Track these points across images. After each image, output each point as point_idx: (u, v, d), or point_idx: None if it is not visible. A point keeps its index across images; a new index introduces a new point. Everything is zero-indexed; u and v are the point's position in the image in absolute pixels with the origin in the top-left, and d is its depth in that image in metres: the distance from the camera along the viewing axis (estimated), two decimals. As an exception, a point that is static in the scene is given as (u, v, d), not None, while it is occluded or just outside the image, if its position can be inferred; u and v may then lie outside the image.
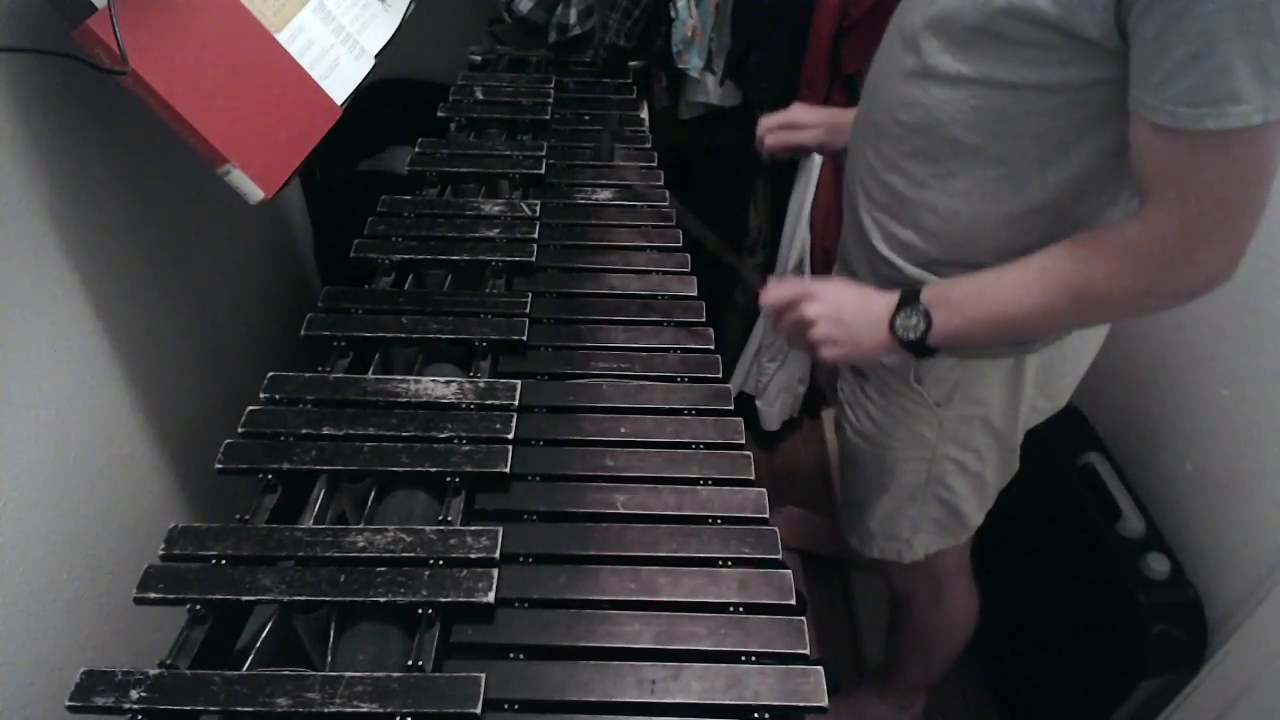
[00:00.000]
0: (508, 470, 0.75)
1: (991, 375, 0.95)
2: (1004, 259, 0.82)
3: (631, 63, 1.43)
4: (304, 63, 0.91)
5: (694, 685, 0.63)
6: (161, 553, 0.67)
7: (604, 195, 1.13)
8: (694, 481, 0.77)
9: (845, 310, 0.87)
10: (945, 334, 0.83)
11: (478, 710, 0.59)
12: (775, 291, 0.91)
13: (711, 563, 0.71)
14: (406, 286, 0.99)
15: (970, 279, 0.83)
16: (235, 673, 0.61)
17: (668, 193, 1.13)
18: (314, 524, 0.73)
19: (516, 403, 0.82)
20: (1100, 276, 0.76)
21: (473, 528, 0.70)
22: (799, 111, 1.16)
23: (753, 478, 0.78)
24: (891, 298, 0.86)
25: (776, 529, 0.73)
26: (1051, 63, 0.73)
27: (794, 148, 1.17)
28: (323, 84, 0.93)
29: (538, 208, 1.06)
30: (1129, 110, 0.71)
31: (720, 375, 0.89)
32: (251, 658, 0.64)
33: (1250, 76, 0.63)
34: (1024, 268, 0.80)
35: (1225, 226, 0.71)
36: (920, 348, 0.84)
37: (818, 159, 1.50)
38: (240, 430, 0.77)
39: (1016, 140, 0.79)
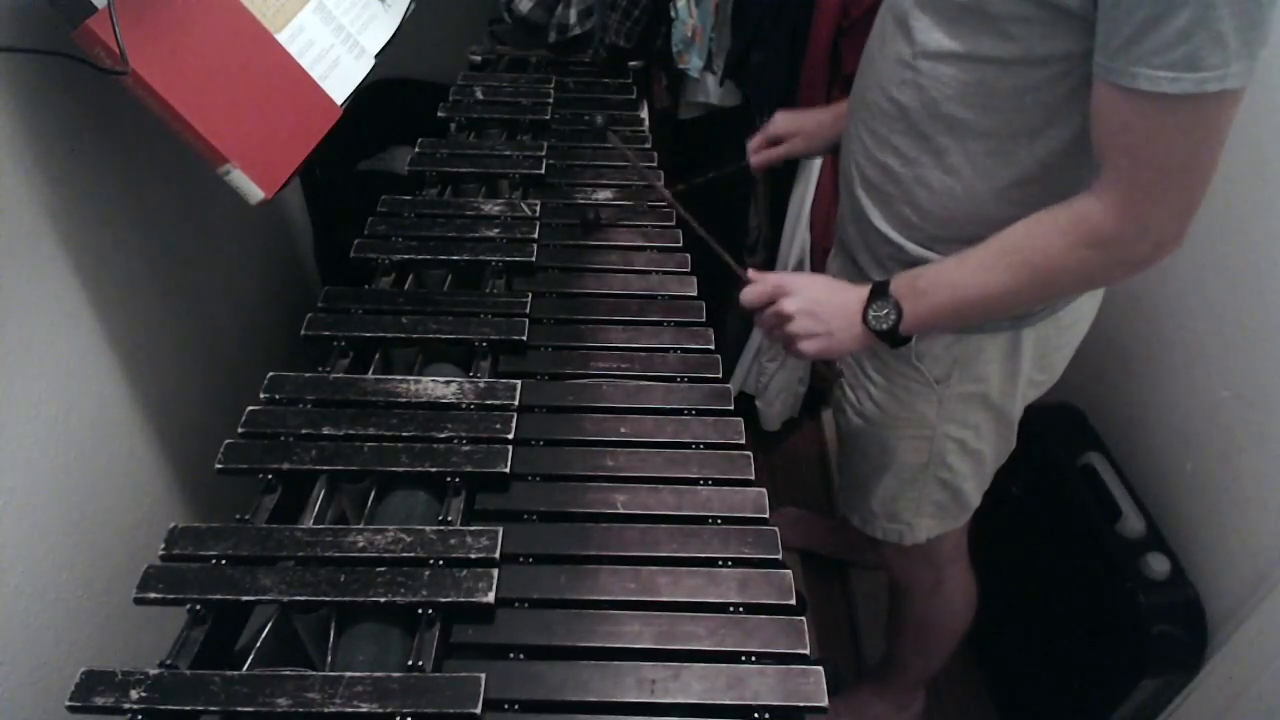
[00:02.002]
0: (508, 470, 0.75)
1: (990, 351, 0.96)
2: (997, 232, 0.83)
3: (631, 63, 1.43)
4: (304, 63, 0.91)
5: (694, 685, 0.63)
6: (161, 553, 0.67)
7: (604, 195, 1.13)
8: (694, 481, 0.77)
9: (820, 305, 0.89)
10: (915, 322, 0.85)
11: (478, 710, 0.59)
12: (752, 290, 0.92)
13: (711, 563, 0.71)
14: (406, 286, 0.99)
15: (936, 265, 0.86)
16: (235, 673, 0.61)
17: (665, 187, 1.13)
18: (314, 524, 0.73)
19: (516, 403, 0.82)
20: (1056, 251, 0.78)
21: (473, 528, 0.70)
22: (780, 122, 1.19)
23: (753, 478, 0.78)
24: (863, 290, 0.88)
25: (776, 529, 0.73)
26: (1035, 36, 0.75)
27: (782, 159, 1.20)
28: (323, 84, 0.93)
29: (538, 208, 1.06)
30: (1093, 76, 0.73)
31: (720, 375, 0.89)
32: (251, 658, 0.64)
33: (1209, 42, 0.65)
34: (985, 249, 0.82)
35: (1173, 193, 0.73)
36: (894, 337, 0.86)
37: (817, 158, 1.50)
38: (240, 430, 0.77)
39: (1005, 113, 0.81)
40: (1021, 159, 0.83)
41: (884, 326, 0.86)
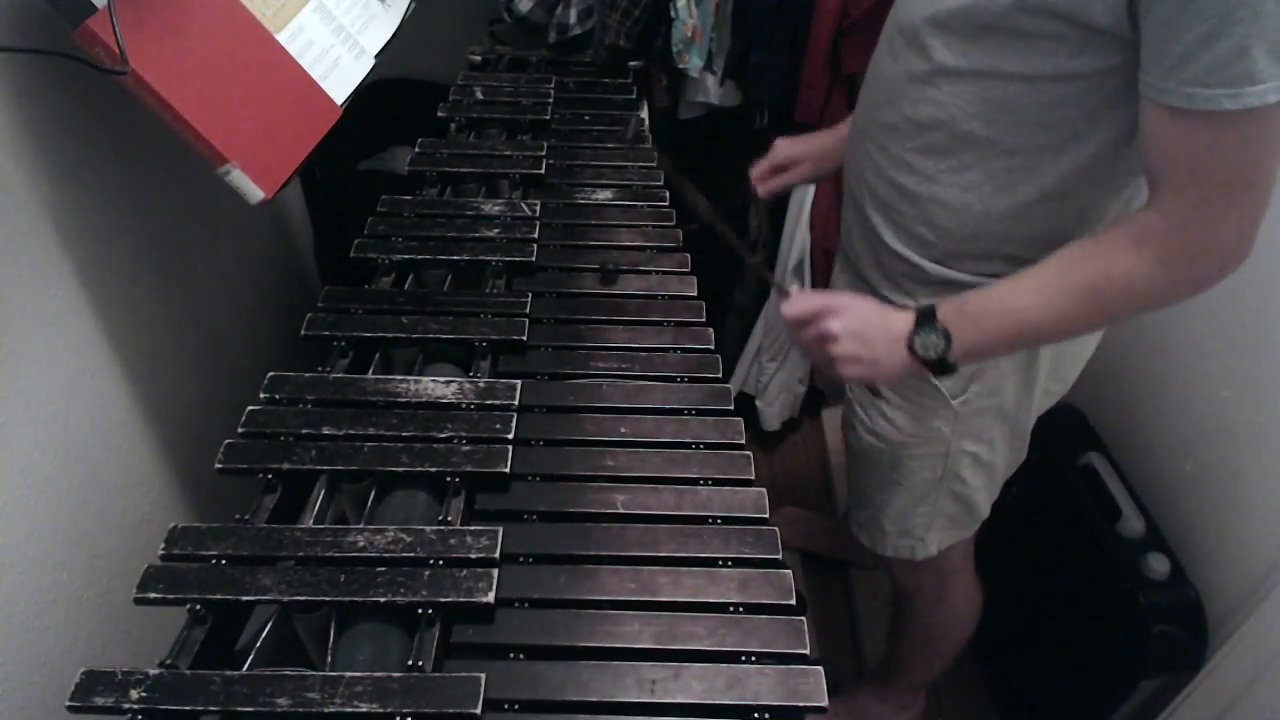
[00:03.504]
0: (508, 470, 0.75)
1: (1005, 364, 0.95)
2: (1017, 248, 0.81)
3: (631, 63, 1.43)
4: (304, 63, 0.91)
5: (694, 685, 0.63)
6: (161, 553, 0.67)
7: (604, 195, 1.13)
8: (694, 481, 0.77)
9: (868, 328, 0.84)
10: (966, 349, 0.81)
11: (478, 710, 0.59)
12: (796, 305, 0.87)
13: (711, 563, 0.71)
14: (406, 286, 0.99)
15: (985, 291, 0.82)
16: (235, 673, 0.61)
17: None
18: (314, 524, 0.73)
19: (516, 403, 0.82)
20: (1120, 272, 0.75)
21: (473, 528, 0.70)
22: (783, 149, 1.16)
23: (753, 478, 0.78)
24: (908, 316, 0.83)
25: (776, 529, 0.73)
26: (1062, 53, 0.74)
27: (788, 187, 1.17)
28: (323, 84, 0.93)
29: (538, 208, 1.06)
30: (1140, 96, 0.71)
31: (720, 375, 0.89)
32: (251, 658, 0.64)
33: (1265, 55, 0.64)
34: (1040, 273, 0.78)
35: (1239, 207, 0.71)
36: (942, 365, 0.82)
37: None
38: (240, 430, 0.77)
39: (1029, 130, 0.80)
40: (1044, 175, 0.81)
41: (932, 355, 0.81)
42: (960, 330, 0.81)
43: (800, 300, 0.87)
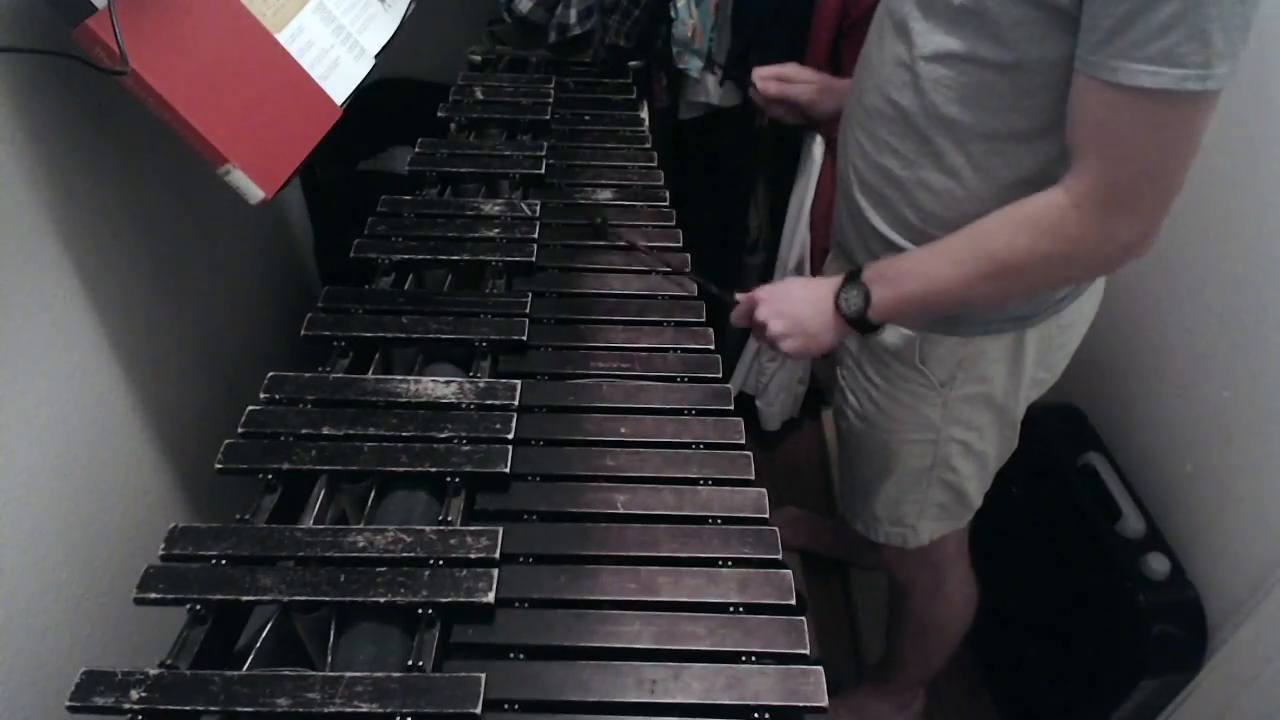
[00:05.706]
0: (508, 470, 0.75)
1: (994, 352, 0.96)
2: None
3: (631, 63, 1.43)
4: (304, 63, 0.91)
5: (694, 685, 0.63)
6: (161, 553, 0.67)
7: (604, 195, 1.13)
8: (694, 481, 0.77)
9: (790, 302, 0.92)
10: (883, 307, 0.86)
11: (478, 710, 0.59)
12: (736, 311, 0.98)
13: (711, 563, 0.71)
14: (406, 286, 0.99)
15: (905, 256, 0.88)
16: (235, 673, 0.61)
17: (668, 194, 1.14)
18: (314, 524, 0.73)
19: (516, 403, 0.82)
20: (1020, 245, 0.78)
21: (473, 528, 0.70)
22: (794, 68, 1.17)
23: (753, 478, 0.78)
24: (837, 280, 0.90)
25: (776, 529, 0.73)
26: (1031, 40, 0.75)
27: (786, 98, 1.17)
28: (323, 84, 0.93)
29: (538, 208, 1.06)
30: (1074, 70, 0.72)
31: (720, 375, 0.89)
32: (251, 658, 0.64)
33: (1191, 39, 0.64)
34: (954, 242, 0.83)
35: (1142, 196, 0.72)
36: (863, 323, 0.87)
37: (817, 158, 1.50)
38: (240, 430, 0.77)
39: (1004, 115, 0.81)
40: (1022, 160, 0.82)
41: (850, 310, 0.87)
42: (879, 290, 0.86)
43: (738, 307, 0.98)
